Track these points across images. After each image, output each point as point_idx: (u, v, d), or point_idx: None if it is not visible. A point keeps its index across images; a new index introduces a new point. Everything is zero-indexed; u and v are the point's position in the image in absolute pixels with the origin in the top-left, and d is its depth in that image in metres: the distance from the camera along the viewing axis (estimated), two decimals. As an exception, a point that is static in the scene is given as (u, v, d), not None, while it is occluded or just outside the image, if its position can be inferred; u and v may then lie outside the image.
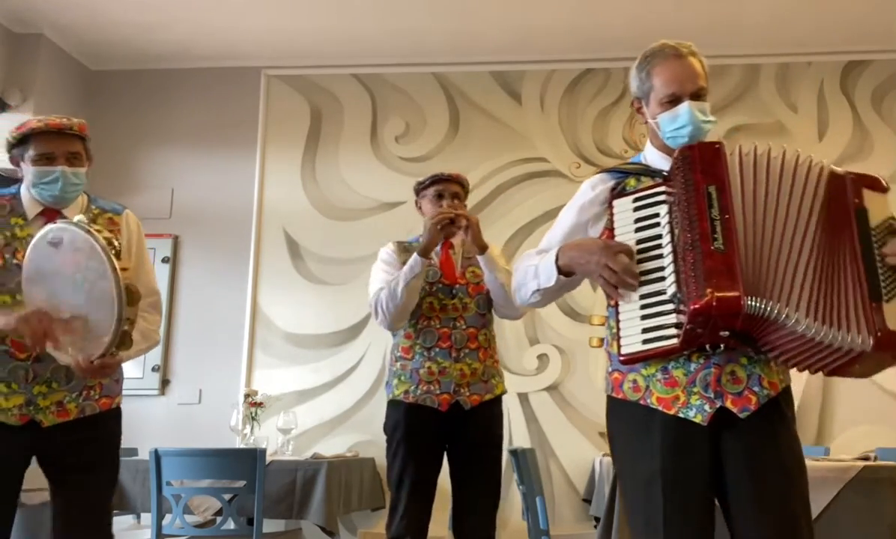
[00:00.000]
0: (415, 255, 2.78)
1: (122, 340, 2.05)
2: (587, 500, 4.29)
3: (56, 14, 4.64)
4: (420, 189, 3.00)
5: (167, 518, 3.12)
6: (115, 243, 2.09)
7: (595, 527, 3.73)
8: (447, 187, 2.95)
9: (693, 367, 1.73)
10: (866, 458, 3.31)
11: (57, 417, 2.21)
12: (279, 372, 4.80)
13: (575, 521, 4.48)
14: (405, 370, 2.84)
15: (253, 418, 4.10)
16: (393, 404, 2.88)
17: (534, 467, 3.85)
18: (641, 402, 1.78)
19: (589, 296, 4.64)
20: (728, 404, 1.72)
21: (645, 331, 1.70)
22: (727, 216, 1.62)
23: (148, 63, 5.18)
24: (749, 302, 1.57)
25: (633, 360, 1.72)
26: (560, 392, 4.67)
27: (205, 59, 5.13)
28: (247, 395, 4.10)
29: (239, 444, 3.90)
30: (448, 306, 2.86)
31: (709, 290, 1.56)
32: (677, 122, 1.81)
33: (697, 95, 1.82)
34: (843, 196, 1.67)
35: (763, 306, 1.57)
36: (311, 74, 5.17)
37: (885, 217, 1.67)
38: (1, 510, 2.18)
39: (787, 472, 1.72)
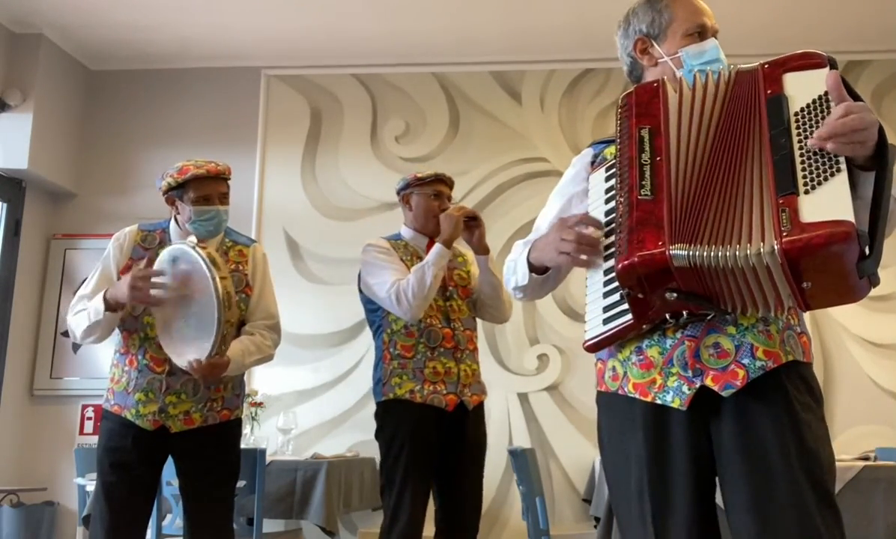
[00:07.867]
0: (439, 245, 2.75)
1: (224, 340, 2.32)
2: (587, 500, 4.29)
3: (56, 14, 4.64)
4: (418, 184, 2.95)
5: (167, 518, 3.12)
6: (219, 258, 2.36)
7: (595, 527, 3.73)
8: (445, 189, 2.97)
9: (669, 343, 1.46)
10: (866, 458, 3.32)
11: (184, 425, 2.50)
12: (279, 372, 4.78)
13: (575, 521, 4.48)
14: (405, 369, 2.77)
15: (253, 418, 4.11)
16: (394, 403, 2.77)
17: (534, 467, 3.84)
18: (620, 391, 1.53)
19: (589, 296, 4.63)
20: (708, 382, 1.42)
21: (605, 309, 1.46)
22: (658, 158, 1.39)
23: (148, 63, 5.18)
24: (677, 251, 1.32)
25: (597, 346, 1.49)
26: (560, 392, 4.67)
27: (205, 59, 5.12)
28: (247, 395, 4.10)
29: (239, 444, 3.90)
30: (444, 307, 2.85)
31: (632, 247, 1.34)
32: (706, 56, 1.60)
33: (716, 36, 1.65)
34: (754, 91, 1.41)
35: (692, 254, 1.31)
36: (311, 74, 5.17)
37: (816, 96, 1.35)
38: (138, 500, 2.49)
39: (782, 462, 1.39)
